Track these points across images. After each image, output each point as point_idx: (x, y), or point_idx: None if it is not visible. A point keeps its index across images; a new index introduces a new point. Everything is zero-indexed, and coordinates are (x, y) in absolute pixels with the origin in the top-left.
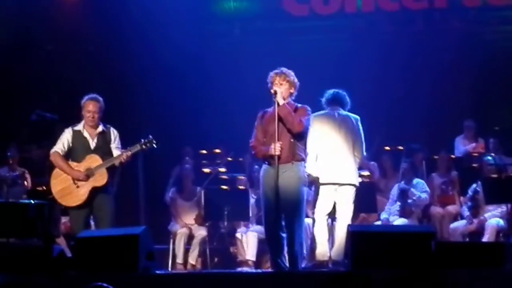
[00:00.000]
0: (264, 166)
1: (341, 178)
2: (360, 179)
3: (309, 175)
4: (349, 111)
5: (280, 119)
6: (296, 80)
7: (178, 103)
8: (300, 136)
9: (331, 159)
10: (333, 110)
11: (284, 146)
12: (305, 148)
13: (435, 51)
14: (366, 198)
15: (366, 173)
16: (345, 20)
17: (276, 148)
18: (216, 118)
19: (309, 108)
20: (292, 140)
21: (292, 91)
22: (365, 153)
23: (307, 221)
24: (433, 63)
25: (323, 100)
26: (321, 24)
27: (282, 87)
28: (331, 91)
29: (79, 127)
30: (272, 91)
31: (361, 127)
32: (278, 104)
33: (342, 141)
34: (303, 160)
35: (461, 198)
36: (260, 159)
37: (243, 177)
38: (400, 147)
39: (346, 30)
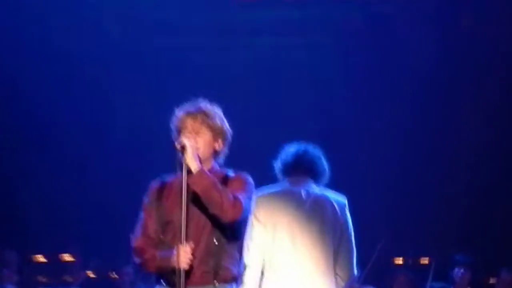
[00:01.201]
0: None
1: None
2: None
3: None
4: (327, 185)
5: (193, 199)
6: (226, 125)
7: None
8: (234, 232)
9: (290, 280)
10: (298, 185)
11: (200, 251)
12: (241, 256)
13: None
14: None
15: None
16: None
17: (183, 256)
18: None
19: (250, 179)
20: (216, 240)
21: (218, 146)
22: (356, 271)
23: None
24: None
25: (278, 164)
26: None
27: (199, 139)
28: (292, 149)
29: None
30: (177, 145)
31: (349, 219)
32: (189, 170)
33: (313, 245)
34: (236, 280)
35: None
36: (153, 274)
37: None
38: (424, 259)
39: None
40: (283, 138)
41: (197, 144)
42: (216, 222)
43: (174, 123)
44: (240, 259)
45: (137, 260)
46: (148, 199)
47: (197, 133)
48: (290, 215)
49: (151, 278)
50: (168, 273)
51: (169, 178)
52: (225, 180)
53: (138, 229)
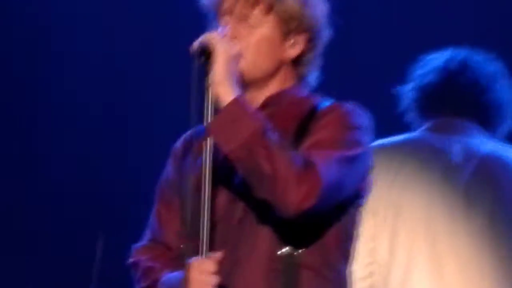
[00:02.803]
0: None
1: None
2: None
3: None
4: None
5: (226, 168)
6: (317, 9)
7: None
8: (320, 231)
9: None
10: (448, 136)
11: (250, 273)
12: (347, 258)
13: None
14: None
15: None
16: None
17: (198, 281)
18: None
19: (362, 117)
20: (282, 248)
21: (294, 50)
22: None
23: None
24: None
25: (409, 93)
26: None
27: (248, 35)
28: (437, 59)
29: None
30: (194, 47)
31: None
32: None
33: (478, 259)
34: None
35: None
36: None
37: None
38: None
39: None
40: None
41: (246, 43)
42: (277, 217)
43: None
44: (346, 263)
45: (135, 273)
46: (166, 175)
47: (243, 19)
48: (429, 195)
49: None
50: None
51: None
52: (307, 121)
53: (148, 230)
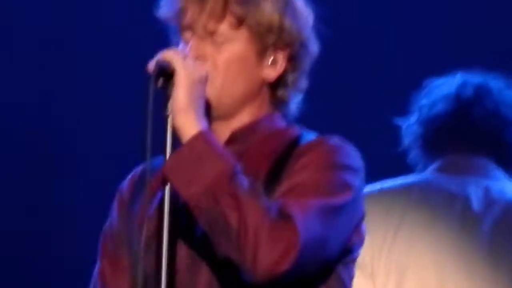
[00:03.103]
0: None
1: None
2: None
3: None
4: None
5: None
6: (300, 19)
7: None
8: None
9: None
10: (461, 177)
11: None
12: None
13: None
14: None
15: None
16: None
17: None
18: None
19: (352, 154)
20: None
21: (274, 68)
22: None
23: None
24: None
25: (413, 127)
26: None
27: (217, 53)
28: (446, 86)
29: None
30: (151, 67)
31: None
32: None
33: None
34: None
35: None
36: None
37: None
38: None
39: None
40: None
41: (212, 63)
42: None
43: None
44: None
45: None
46: (110, 225)
47: (208, 35)
48: (443, 251)
49: None
50: None
51: (156, 164)
52: (285, 159)
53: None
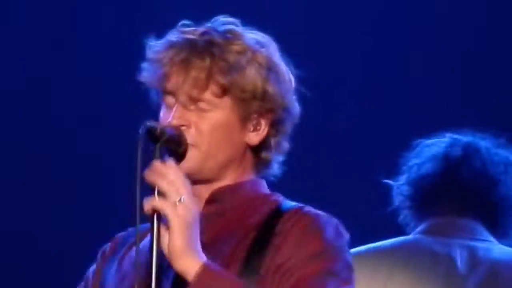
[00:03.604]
0: None
1: None
2: None
3: None
4: None
5: None
6: (283, 83)
7: None
8: None
9: None
10: (449, 240)
11: None
12: None
13: None
14: None
15: None
16: None
17: None
18: None
19: (340, 233)
20: None
21: (257, 134)
22: None
23: None
24: None
25: (404, 188)
26: None
27: (201, 121)
28: (435, 147)
29: None
30: (147, 208)
31: None
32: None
33: None
34: None
35: None
36: None
37: None
38: None
39: None
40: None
41: (196, 130)
42: None
43: (144, 79)
44: None
45: None
46: (88, 273)
47: (192, 102)
48: None
49: None
50: None
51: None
52: (268, 229)
53: None
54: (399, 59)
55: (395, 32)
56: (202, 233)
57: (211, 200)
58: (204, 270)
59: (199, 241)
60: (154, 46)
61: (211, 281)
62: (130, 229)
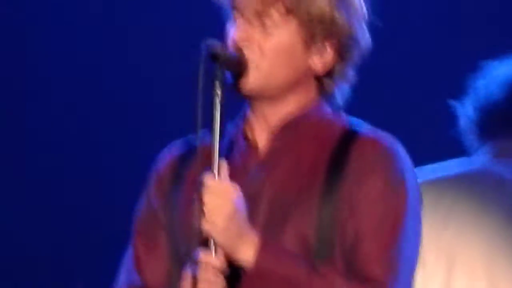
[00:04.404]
0: None
1: None
2: None
3: None
4: None
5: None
6: (352, 10)
7: None
8: None
9: None
10: (508, 160)
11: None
12: None
13: None
14: None
15: None
16: None
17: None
18: None
19: (406, 160)
20: None
21: (323, 60)
22: None
23: None
24: None
25: (468, 111)
26: None
27: (263, 41)
28: (502, 71)
29: None
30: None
31: None
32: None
33: None
34: None
35: None
36: None
37: None
38: None
39: None
40: None
41: (259, 49)
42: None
43: None
44: None
45: None
46: (147, 205)
47: (257, 19)
48: (492, 240)
49: None
50: None
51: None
52: (341, 153)
53: (123, 274)
54: None
55: None
56: (275, 166)
57: (283, 129)
58: (261, 258)
59: (247, 224)
60: None
61: (272, 266)
62: (179, 144)
